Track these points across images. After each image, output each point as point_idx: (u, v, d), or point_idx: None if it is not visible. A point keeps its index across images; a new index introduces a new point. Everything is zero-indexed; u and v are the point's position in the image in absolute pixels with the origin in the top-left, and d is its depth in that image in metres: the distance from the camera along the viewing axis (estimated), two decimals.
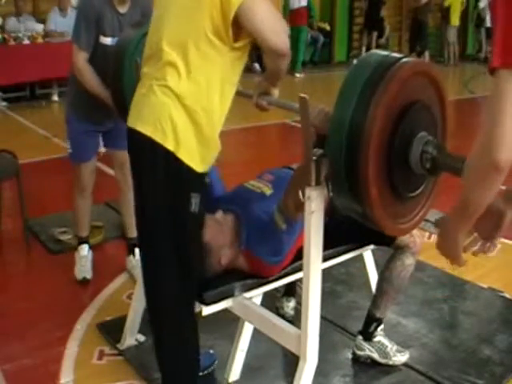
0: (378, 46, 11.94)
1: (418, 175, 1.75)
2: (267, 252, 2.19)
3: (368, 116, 1.60)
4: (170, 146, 1.91)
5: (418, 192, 1.82)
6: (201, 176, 2.01)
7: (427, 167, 1.70)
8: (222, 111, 1.99)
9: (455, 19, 11.98)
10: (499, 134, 1.18)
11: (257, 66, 10.55)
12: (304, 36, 10.99)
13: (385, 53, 1.76)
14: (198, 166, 1.97)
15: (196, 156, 1.95)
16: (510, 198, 1.50)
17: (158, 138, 1.91)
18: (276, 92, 2.23)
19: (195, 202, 1.97)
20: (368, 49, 11.93)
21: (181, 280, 2.03)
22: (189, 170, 1.94)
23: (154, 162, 1.95)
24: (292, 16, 10.80)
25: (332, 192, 1.81)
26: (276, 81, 2.16)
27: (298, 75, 10.66)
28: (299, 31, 10.73)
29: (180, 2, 1.96)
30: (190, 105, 1.91)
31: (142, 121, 1.96)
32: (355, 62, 1.84)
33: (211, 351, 2.54)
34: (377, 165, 1.64)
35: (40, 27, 8.04)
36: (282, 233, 2.14)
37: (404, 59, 1.70)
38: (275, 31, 1.88)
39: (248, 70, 12.07)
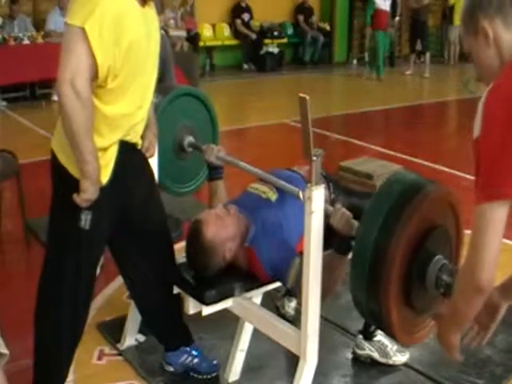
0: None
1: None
2: (269, 263, 2.16)
3: (391, 241, 1.74)
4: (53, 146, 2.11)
5: (432, 306, 1.92)
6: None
7: (442, 291, 1.81)
8: None
9: (459, 19, 11.91)
10: (482, 261, 1.33)
11: (245, 66, 10.70)
12: (381, 40, 10.31)
13: (413, 176, 1.91)
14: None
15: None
16: (505, 290, 1.62)
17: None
18: None
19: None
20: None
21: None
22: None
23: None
24: (374, 17, 10.35)
25: (352, 295, 1.95)
26: None
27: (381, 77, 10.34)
28: (377, 35, 10.33)
29: None
30: None
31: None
32: (387, 179, 1.94)
33: (215, 362, 2.53)
34: (397, 286, 1.78)
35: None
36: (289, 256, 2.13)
37: (428, 187, 1.83)
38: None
39: (240, 68, 12.05)
